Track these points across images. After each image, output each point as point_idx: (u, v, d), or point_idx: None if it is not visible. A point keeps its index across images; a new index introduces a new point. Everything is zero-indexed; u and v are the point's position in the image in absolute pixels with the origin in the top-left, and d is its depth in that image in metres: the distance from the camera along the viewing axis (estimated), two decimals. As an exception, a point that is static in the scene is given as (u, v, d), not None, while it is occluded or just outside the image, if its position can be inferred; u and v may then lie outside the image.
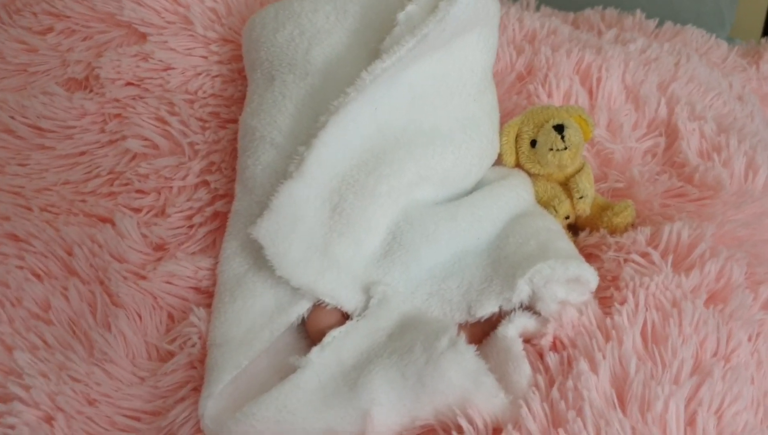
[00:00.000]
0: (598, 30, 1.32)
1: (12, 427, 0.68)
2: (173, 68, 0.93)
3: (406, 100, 0.78)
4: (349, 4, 0.83)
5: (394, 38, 0.76)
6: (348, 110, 0.74)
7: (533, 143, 0.84)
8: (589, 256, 0.82)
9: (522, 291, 0.71)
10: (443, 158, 0.78)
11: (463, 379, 0.66)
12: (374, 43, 0.79)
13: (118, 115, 0.91)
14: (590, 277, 0.72)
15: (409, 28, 0.76)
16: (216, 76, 0.94)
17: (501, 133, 0.86)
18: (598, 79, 1.00)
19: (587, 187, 0.84)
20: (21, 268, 0.80)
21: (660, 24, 1.40)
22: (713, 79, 1.11)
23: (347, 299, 0.75)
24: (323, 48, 0.81)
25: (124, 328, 0.75)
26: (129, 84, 0.93)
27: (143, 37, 0.95)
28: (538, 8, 1.48)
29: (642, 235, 0.80)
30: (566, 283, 0.72)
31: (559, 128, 0.82)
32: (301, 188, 0.74)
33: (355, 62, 0.78)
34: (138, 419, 0.72)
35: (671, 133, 0.96)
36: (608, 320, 0.70)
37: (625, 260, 0.77)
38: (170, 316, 0.78)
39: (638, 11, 1.44)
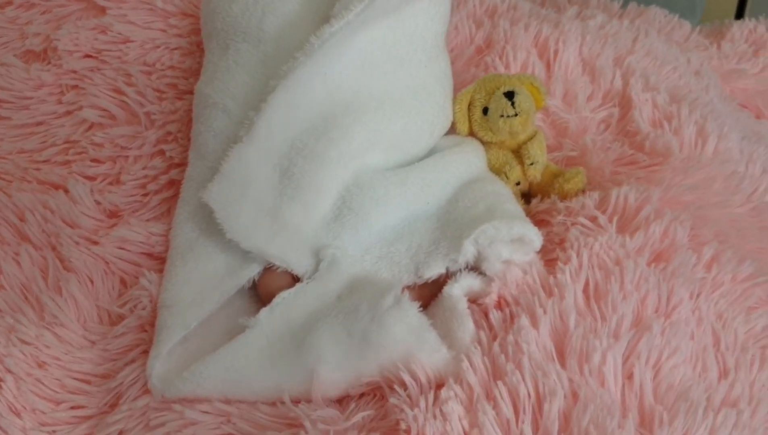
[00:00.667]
0: (564, 8, 1.33)
1: (-39, 388, 0.69)
2: (132, 41, 0.94)
3: (356, 66, 0.79)
4: (304, -27, 0.84)
5: (344, 4, 0.76)
6: (297, 75, 0.75)
7: (485, 111, 0.85)
8: (540, 222, 0.84)
9: (468, 251, 0.72)
10: (392, 123, 0.79)
11: (406, 334, 0.67)
12: (327, 10, 0.79)
13: (75, 87, 0.91)
14: (533, 236, 0.73)
15: (359, -7, 0.77)
16: (175, 48, 0.95)
17: (454, 102, 0.87)
18: (555, 52, 1.01)
19: (538, 153, 0.85)
20: (-27, 234, 0.81)
21: (624, 5, 1.43)
22: (671, 54, 1.12)
23: (297, 262, 0.75)
24: (276, 16, 0.82)
25: (76, 293, 0.76)
26: (87, 56, 0.93)
27: (102, 10, 0.96)
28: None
29: (591, 199, 0.81)
30: (510, 243, 0.73)
31: (510, 95, 0.83)
32: (250, 152, 0.75)
33: (308, 29, 0.78)
34: (88, 382, 0.73)
35: (625, 104, 0.97)
36: (551, 278, 0.72)
37: (573, 224, 0.79)
38: (122, 281, 0.79)
39: (603, -8, 1.45)
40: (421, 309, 0.70)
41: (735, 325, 0.72)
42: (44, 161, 0.88)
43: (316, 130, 0.77)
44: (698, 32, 1.39)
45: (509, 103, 0.83)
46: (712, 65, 1.27)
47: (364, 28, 0.77)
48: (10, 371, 0.70)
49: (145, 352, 0.73)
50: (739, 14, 1.87)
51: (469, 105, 0.86)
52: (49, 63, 0.93)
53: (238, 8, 0.83)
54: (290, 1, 0.82)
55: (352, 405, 0.68)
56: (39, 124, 0.91)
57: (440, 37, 0.85)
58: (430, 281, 0.74)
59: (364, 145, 0.78)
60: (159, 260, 0.80)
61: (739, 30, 1.39)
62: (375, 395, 0.69)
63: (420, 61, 0.82)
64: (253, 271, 0.75)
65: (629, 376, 0.65)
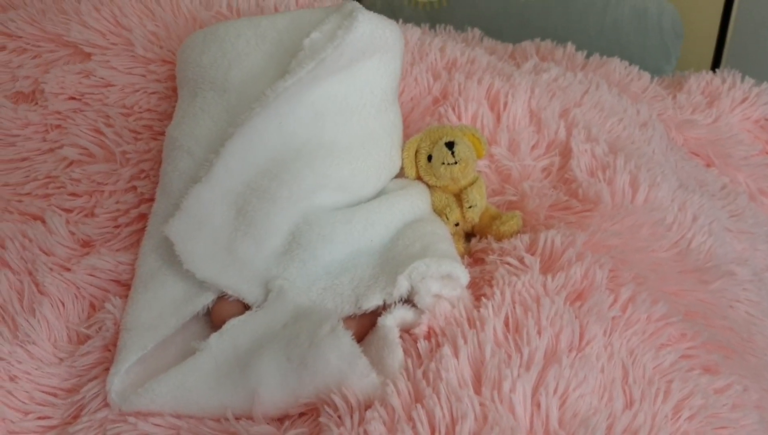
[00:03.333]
0: (532, 58, 1.42)
1: (-63, 397, 0.77)
2: (113, 85, 1.03)
3: (309, 117, 0.87)
4: (268, 31, 0.92)
5: (298, 61, 0.85)
6: (253, 124, 0.84)
7: (429, 158, 0.93)
8: (477, 260, 0.91)
9: (402, 286, 0.80)
10: (341, 168, 0.87)
11: (339, 361, 0.74)
12: (286, 65, 0.88)
13: (58, 126, 1.00)
14: (460, 274, 0.80)
15: (312, 52, 0.85)
16: (153, 93, 1.04)
17: (403, 149, 0.95)
18: (505, 104, 1.09)
19: (477, 198, 0.93)
20: (-42, 258, 0.89)
21: (588, 56, 1.52)
22: (619, 106, 1.20)
23: (248, 292, 0.83)
24: (241, 69, 0.91)
25: (48, 314, 0.84)
26: (71, 98, 1.02)
27: (88, 56, 1.05)
28: (481, 40, 1.60)
29: (521, 241, 0.89)
30: (440, 279, 0.80)
31: (450, 145, 0.91)
32: (208, 192, 0.83)
33: (269, 82, 0.87)
34: (55, 395, 0.80)
35: (566, 153, 1.05)
36: (475, 312, 0.79)
37: (502, 263, 0.86)
38: (92, 305, 0.87)
39: (569, 44, 1.55)
40: (361, 337, 0.78)
41: (644, 361, 0.78)
42: (26, 194, 0.97)
43: (270, 172, 0.85)
44: (657, 83, 1.47)
45: (450, 153, 0.91)
46: (668, 115, 1.35)
47: (316, 83, 0.86)
48: (-17, 383, 0.78)
49: (108, 370, 0.80)
50: (716, 62, 1.95)
51: (416, 152, 0.95)
52: (36, 104, 1.02)
53: (208, 60, 0.92)
54: (254, 56, 0.91)
55: (287, 423, 0.75)
56: (23, 159, 1.00)
57: (390, 91, 0.93)
58: (369, 312, 0.82)
59: (312, 187, 0.86)
60: (126, 287, 0.88)
61: (696, 82, 1.47)
62: (313, 415, 0.76)
63: (369, 113, 0.90)
64: (207, 299, 0.83)
65: (538, 404, 0.71)
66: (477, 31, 1.62)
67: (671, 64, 1.79)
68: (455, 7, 1.82)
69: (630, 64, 1.49)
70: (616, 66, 1.46)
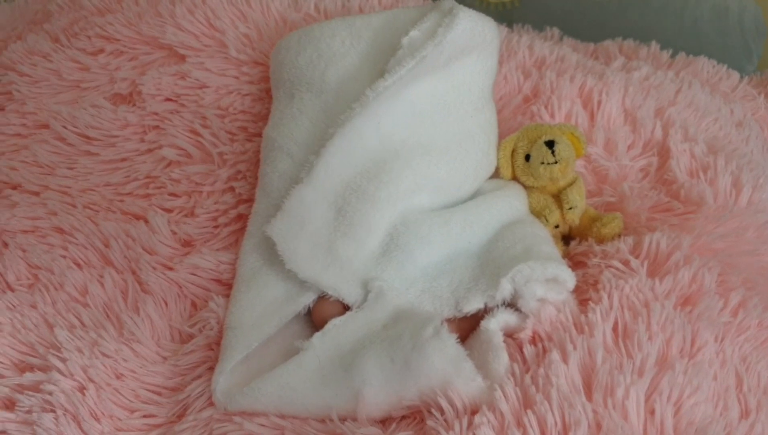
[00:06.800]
0: (615, 58, 1.39)
1: (50, 393, 0.78)
2: (208, 86, 1.04)
3: (407, 116, 0.87)
4: (363, 30, 0.92)
5: (397, 60, 0.85)
6: (353, 124, 0.84)
7: (527, 157, 0.92)
8: (578, 264, 0.89)
9: (504, 289, 0.78)
10: (438, 168, 0.87)
11: (444, 363, 0.73)
12: (383, 64, 0.87)
13: (156, 127, 1.02)
14: (567, 277, 0.79)
15: (411, 51, 0.84)
16: (246, 94, 1.04)
17: (498, 149, 0.94)
18: (599, 102, 1.07)
19: (577, 199, 0.91)
20: (64, 257, 0.92)
21: (674, 54, 1.48)
22: (713, 105, 1.17)
23: (348, 292, 0.83)
24: (337, 69, 0.90)
25: (151, 313, 0.85)
26: (167, 99, 1.04)
27: (182, 58, 1.06)
28: (561, 39, 1.57)
29: (625, 244, 0.87)
30: (545, 282, 0.79)
31: (550, 144, 0.90)
32: (309, 192, 0.83)
33: (365, 81, 0.86)
34: (159, 393, 0.82)
35: (664, 154, 1.02)
36: (583, 317, 0.77)
37: (607, 266, 0.84)
38: (193, 304, 0.88)
39: (653, 43, 1.51)
40: (460, 340, 0.77)
41: (759, 369, 0.76)
42: (127, 194, 0.98)
43: (369, 173, 0.85)
44: (747, 82, 1.42)
45: (550, 152, 0.89)
46: (760, 115, 1.30)
47: (414, 81, 0.85)
48: (92, 380, 0.79)
49: (211, 369, 0.81)
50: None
51: (512, 152, 0.93)
52: (134, 105, 1.04)
53: (304, 61, 0.92)
54: (350, 56, 0.91)
55: (393, 425, 0.74)
56: (123, 160, 1.01)
57: (486, 89, 0.92)
58: (469, 315, 0.81)
59: (411, 188, 0.85)
60: (226, 286, 0.89)
61: (787, 80, 1.42)
62: (415, 418, 0.76)
63: (466, 112, 0.89)
64: (308, 299, 0.83)
65: (651, 411, 0.69)
66: (556, 31, 1.59)
67: (753, 63, 1.74)
68: (527, 7, 1.79)
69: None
70: (704, 64, 1.42)
